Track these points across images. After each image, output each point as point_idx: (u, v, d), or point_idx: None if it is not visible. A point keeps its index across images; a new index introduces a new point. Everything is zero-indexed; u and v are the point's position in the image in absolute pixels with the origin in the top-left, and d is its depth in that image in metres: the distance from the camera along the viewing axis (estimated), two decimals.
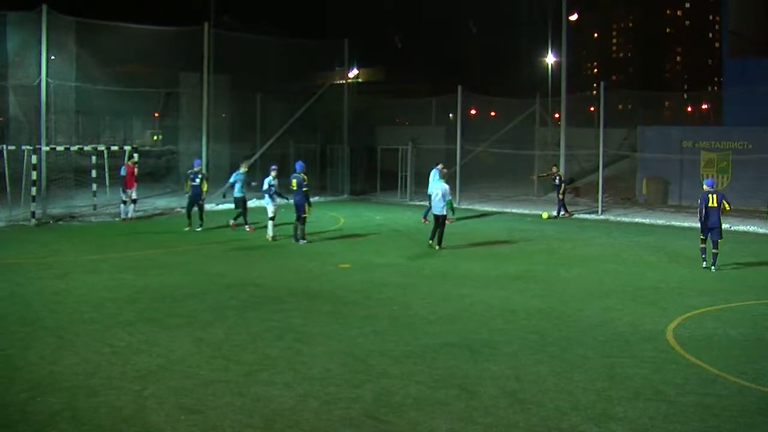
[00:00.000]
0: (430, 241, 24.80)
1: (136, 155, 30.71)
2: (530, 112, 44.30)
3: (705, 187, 22.10)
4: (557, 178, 33.03)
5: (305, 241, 25.03)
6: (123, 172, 30.16)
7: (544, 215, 28.04)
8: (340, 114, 43.60)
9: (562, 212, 33.09)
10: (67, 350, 13.31)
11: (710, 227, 21.47)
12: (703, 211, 21.44)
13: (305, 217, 25.01)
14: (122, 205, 30.31)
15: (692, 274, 21.07)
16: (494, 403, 11.00)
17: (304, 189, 24.71)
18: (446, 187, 24.53)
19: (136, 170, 30.87)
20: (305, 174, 25.06)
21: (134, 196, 30.58)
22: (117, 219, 30.74)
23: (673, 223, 30.72)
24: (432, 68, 55.53)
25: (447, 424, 10.21)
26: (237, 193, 27.79)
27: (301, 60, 39.90)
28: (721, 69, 52.44)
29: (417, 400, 11.08)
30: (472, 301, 17.53)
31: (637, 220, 32.83)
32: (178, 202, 36.12)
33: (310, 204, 25.13)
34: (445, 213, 24.44)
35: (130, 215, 30.45)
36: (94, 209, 31.53)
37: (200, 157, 29.17)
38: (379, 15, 56.47)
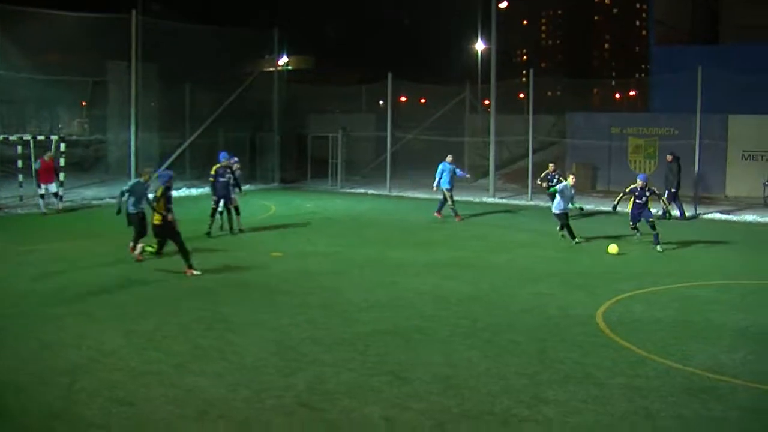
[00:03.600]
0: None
1: (49, 152, 29.77)
2: (460, 99, 44.51)
3: (639, 182, 23.00)
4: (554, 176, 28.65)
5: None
6: (37, 165, 29.29)
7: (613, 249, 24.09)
8: (269, 102, 43.40)
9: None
10: None
11: (640, 218, 23.10)
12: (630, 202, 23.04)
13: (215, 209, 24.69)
14: (40, 200, 29.31)
15: (621, 258, 21.37)
16: (427, 389, 11.06)
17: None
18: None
19: (59, 163, 30.10)
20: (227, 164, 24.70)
21: (54, 189, 29.59)
22: (46, 210, 30.23)
23: (602, 207, 31.05)
24: (361, 56, 55.47)
25: (380, 411, 10.25)
26: (131, 208, 21.14)
27: (230, 48, 39.59)
28: (648, 56, 53.06)
29: (350, 388, 11.11)
30: (404, 288, 17.60)
31: None
32: (107, 192, 35.67)
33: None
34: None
35: (59, 206, 29.70)
36: (21, 200, 31.00)
37: (227, 150, 27.17)
38: (309, 3, 56.29)
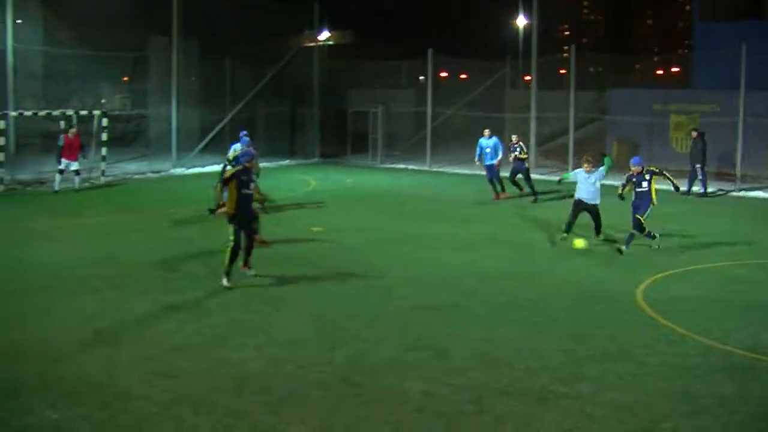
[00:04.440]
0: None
1: (73, 129, 29.48)
2: (501, 75, 44.22)
3: (633, 167, 19.42)
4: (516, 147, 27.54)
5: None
6: (61, 142, 29.11)
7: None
8: (310, 77, 43.37)
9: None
10: (33, 317, 13.26)
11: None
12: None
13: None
14: (57, 176, 29.15)
15: (661, 237, 21.13)
16: (466, 365, 11.07)
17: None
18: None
19: (102, 138, 29.93)
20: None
21: (76, 166, 29.24)
22: (88, 184, 30.37)
23: None
24: (402, 31, 55.27)
25: (420, 386, 10.26)
26: None
27: (271, 23, 39.55)
28: (691, 32, 52.38)
29: (389, 363, 11.13)
30: (443, 264, 17.57)
31: (607, 182, 32.82)
32: (148, 167, 35.93)
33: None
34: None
35: (77, 185, 29.49)
36: (61, 174, 31.24)
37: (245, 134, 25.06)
38: None
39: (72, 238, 20.31)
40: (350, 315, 13.42)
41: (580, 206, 20.06)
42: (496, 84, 43.48)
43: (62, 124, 30.50)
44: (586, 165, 20.06)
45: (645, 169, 19.23)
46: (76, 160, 28.73)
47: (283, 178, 29.87)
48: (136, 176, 34.00)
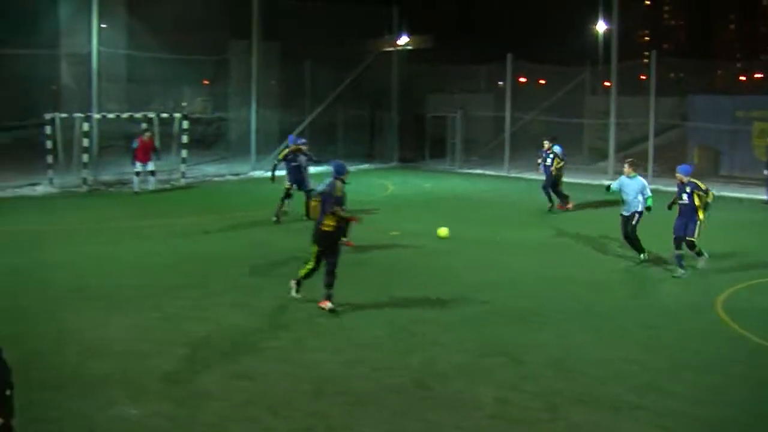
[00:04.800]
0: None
1: (148, 132, 29.85)
2: (580, 81, 43.86)
3: (678, 175, 17.45)
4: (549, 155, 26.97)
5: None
6: (135, 144, 29.46)
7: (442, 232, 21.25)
8: (389, 81, 43.47)
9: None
10: (117, 315, 13.48)
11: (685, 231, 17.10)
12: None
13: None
14: (135, 178, 29.61)
15: (739, 245, 20.70)
16: (540, 372, 11.00)
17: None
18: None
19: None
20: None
21: (151, 168, 29.61)
22: (169, 185, 30.83)
23: (725, 193, 30.26)
24: (481, 36, 55.13)
25: (493, 392, 10.23)
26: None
27: (350, 27, 39.73)
28: None
29: (463, 368, 11.11)
30: (519, 269, 17.50)
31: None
32: (227, 169, 36.34)
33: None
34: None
35: (151, 187, 30.02)
36: (143, 176, 31.71)
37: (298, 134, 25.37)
38: None
39: (154, 238, 20.63)
40: (426, 319, 13.42)
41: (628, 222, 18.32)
42: (575, 89, 43.13)
43: (143, 126, 31.00)
44: (627, 167, 18.64)
45: (687, 180, 17.12)
46: (149, 161, 29.21)
47: (361, 182, 29.93)
48: (216, 178, 34.40)
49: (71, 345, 11.82)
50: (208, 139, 44.96)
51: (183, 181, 31.97)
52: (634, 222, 18.07)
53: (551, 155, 26.40)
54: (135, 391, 10.08)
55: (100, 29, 32.12)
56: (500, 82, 43.15)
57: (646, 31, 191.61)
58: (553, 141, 26.76)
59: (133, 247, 19.57)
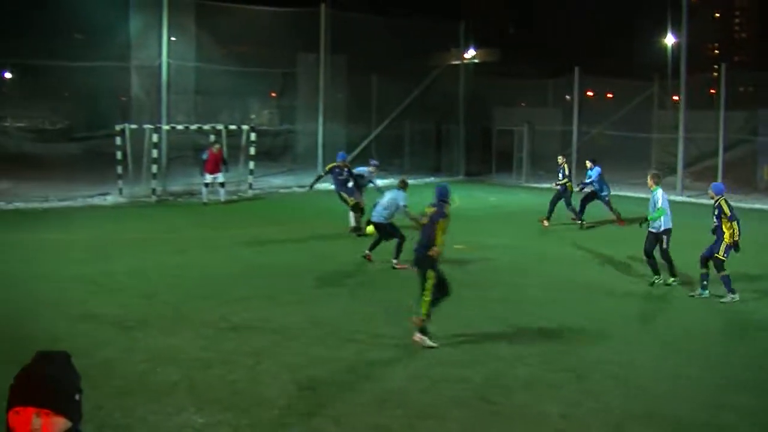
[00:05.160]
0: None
1: (217, 144, 30.12)
2: (648, 94, 43.50)
3: (711, 193, 16.96)
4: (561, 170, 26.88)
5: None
6: (205, 156, 29.80)
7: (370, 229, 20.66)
8: (455, 95, 43.50)
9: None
10: (184, 324, 13.64)
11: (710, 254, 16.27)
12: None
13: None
14: (204, 189, 30.03)
15: None
16: (604, 389, 10.91)
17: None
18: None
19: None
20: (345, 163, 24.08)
21: (221, 179, 30.02)
22: (236, 197, 31.13)
23: None
24: (549, 49, 54.92)
25: (557, 408, 10.16)
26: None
27: (417, 40, 39.86)
28: None
29: (527, 382, 11.06)
30: (584, 284, 17.37)
31: (757, 206, 31.97)
32: (294, 181, 36.59)
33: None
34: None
35: (222, 198, 30.42)
36: (212, 187, 32.05)
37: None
38: None
39: (222, 249, 20.86)
40: (489, 333, 13.38)
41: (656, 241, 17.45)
42: (643, 103, 42.80)
43: (212, 138, 31.35)
44: (650, 179, 17.64)
45: (716, 200, 16.35)
46: (219, 173, 29.53)
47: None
48: (282, 190, 34.68)
49: (140, 353, 11.99)
50: (276, 151, 45.32)
51: (250, 193, 32.29)
52: (663, 244, 17.32)
53: (560, 169, 26.38)
54: (201, 400, 10.19)
55: (169, 42, 32.61)
56: (567, 96, 42.99)
57: (716, 44, 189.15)
58: (594, 162, 26.67)
59: (201, 257, 19.80)
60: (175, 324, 13.65)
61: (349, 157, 36.45)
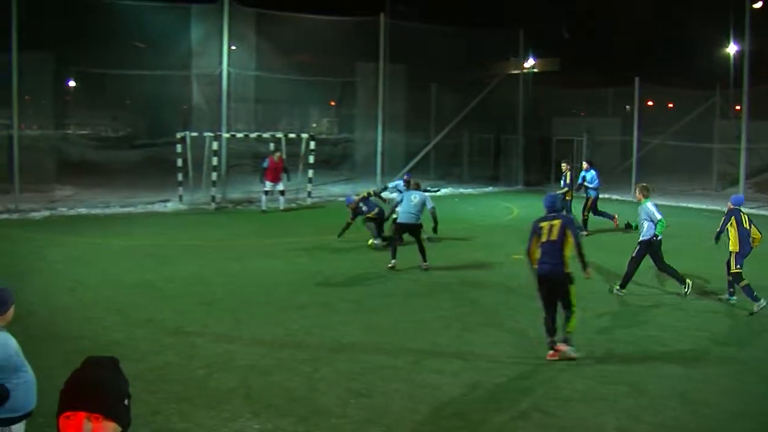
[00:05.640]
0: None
1: (278, 152, 30.25)
2: (710, 104, 43.02)
3: (732, 205, 16.96)
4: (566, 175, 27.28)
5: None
6: (265, 164, 30.02)
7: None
8: (514, 104, 43.38)
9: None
10: (242, 330, 13.75)
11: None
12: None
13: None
14: (263, 197, 30.26)
15: None
16: (663, 403, 10.78)
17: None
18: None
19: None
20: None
21: (281, 187, 30.29)
22: (294, 205, 31.31)
23: None
24: (609, 58, 54.51)
25: (614, 421, 10.07)
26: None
27: (475, 50, 39.81)
28: None
29: (585, 395, 10.97)
30: (643, 298, 17.17)
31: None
32: (352, 190, 36.67)
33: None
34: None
35: (281, 207, 30.51)
36: (272, 195, 32.26)
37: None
38: (553, 4, 55.69)
39: (280, 256, 20.98)
40: (545, 343, 13.27)
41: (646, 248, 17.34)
42: (705, 113, 42.33)
43: (271, 146, 31.56)
44: (638, 192, 17.56)
45: (729, 209, 16.75)
46: (279, 181, 29.75)
47: (485, 205, 30.00)
48: (340, 198, 34.73)
49: (198, 359, 12.10)
50: (335, 160, 45.57)
51: (309, 201, 32.44)
52: (634, 253, 17.23)
53: (566, 178, 26.65)
54: (258, 406, 10.26)
55: (230, 51, 32.90)
56: (627, 106, 42.65)
57: None
58: (590, 165, 27.02)
59: (260, 264, 19.92)
60: (233, 330, 13.76)
61: (408, 166, 36.65)
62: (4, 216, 27.20)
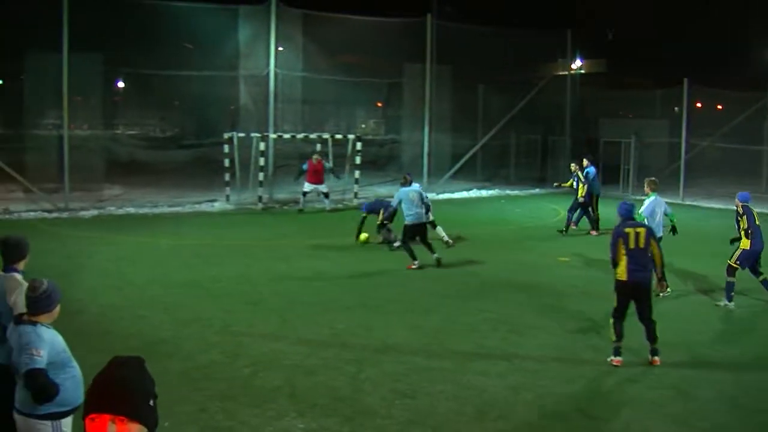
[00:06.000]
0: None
1: (316, 155, 30.21)
2: (760, 106, 42.49)
3: (739, 202, 16.76)
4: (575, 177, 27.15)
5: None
6: (305, 166, 30.01)
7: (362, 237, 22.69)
8: (561, 106, 43.13)
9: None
10: (287, 330, 13.81)
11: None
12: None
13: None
14: (301, 197, 30.33)
15: None
16: (712, 407, 10.68)
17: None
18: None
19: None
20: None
21: (324, 189, 30.34)
22: (341, 205, 31.38)
23: None
24: (657, 59, 54.01)
25: (661, 426, 9.98)
26: None
27: (523, 51, 39.61)
28: None
29: (632, 399, 10.89)
30: (694, 301, 17.02)
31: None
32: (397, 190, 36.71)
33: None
34: None
35: (327, 208, 30.52)
36: (316, 196, 32.33)
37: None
38: (603, 4, 55.28)
39: (326, 256, 21.04)
40: (593, 347, 13.18)
41: None
42: (755, 115, 41.83)
43: (318, 146, 31.65)
44: (647, 185, 17.90)
45: (738, 210, 16.62)
46: (321, 183, 29.84)
47: (532, 207, 29.87)
48: (387, 199, 34.72)
49: (244, 357, 12.17)
50: (381, 161, 45.57)
51: (355, 202, 32.48)
52: None
53: (575, 178, 26.65)
54: (303, 406, 10.29)
55: (277, 52, 33.04)
56: (676, 108, 42.24)
57: None
58: (579, 161, 27.16)
59: (306, 264, 19.98)
60: (279, 330, 13.82)
61: (454, 168, 36.61)
62: (55, 215, 27.55)
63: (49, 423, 6.99)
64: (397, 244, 21.65)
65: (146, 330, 13.68)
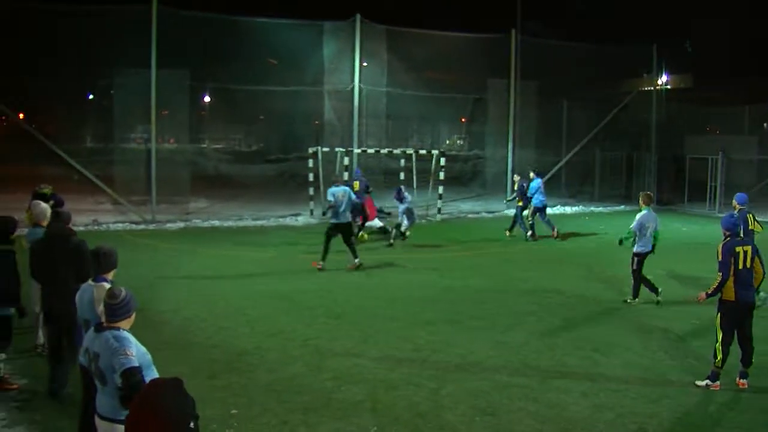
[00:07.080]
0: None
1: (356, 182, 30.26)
2: None
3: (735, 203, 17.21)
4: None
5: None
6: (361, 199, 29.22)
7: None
8: (647, 121, 42.66)
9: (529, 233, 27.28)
10: (369, 344, 13.85)
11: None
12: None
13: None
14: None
15: None
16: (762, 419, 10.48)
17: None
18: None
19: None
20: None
21: (378, 224, 29.44)
22: (425, 221, 31.42)
23: None
24: (746, 74, 53.12)
25: None
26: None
27: (608, 66, 39.30)
28: None
29: (717, 422, 10.69)
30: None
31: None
32: (482, 206, 36.65)
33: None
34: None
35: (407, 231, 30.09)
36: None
37: None
38: (684, 18, 54.59)
39: (409, 271, 21.12)
40: (679, 367, 12.99)
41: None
42: None
43: (402, 162, 31.74)
44: (642, 199, 17.88)
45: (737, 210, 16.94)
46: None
47: (617, 224, 29.50)
48: (470, 215, 34.73)
49: (326, 371, 12.24)
50: (465, 177, 45.52)
51: (439, 217, 32.49)
52: (634, 265, 17.77)
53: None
54: (384, 420, 10.32)
55: (361, 67, 33.27)
56: (765, 124, 41.54)
57: None
58: (537, 175, 28.31)
59: (388, 278, 20.07)
60: (361, 344, 13.88)
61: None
62: (142, 226, 28.08)
63: None
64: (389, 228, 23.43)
65: (229, 341, 13.85)
